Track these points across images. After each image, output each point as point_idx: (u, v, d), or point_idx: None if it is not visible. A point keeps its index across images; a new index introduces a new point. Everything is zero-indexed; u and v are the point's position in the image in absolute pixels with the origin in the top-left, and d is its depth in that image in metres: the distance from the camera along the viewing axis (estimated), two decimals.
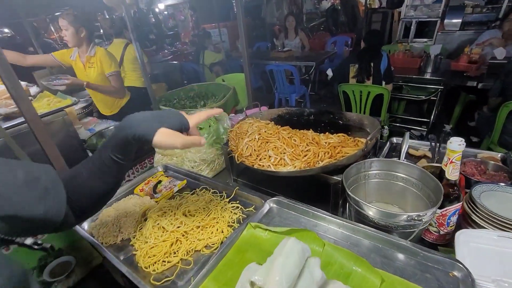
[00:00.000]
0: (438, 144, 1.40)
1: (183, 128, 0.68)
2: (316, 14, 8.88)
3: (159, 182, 1.15)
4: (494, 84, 2.44)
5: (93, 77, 2.32)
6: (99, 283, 1.22)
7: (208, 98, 2.71)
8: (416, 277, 0.66)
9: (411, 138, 1.70)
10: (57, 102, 1.98)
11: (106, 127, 2.26)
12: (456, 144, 0.75)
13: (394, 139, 1.56)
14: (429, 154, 1.39)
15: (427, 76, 3.21)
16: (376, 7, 7.15)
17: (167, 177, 1.20)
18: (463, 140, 0.76)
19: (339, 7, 7.50)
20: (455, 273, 0.65)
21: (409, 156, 1.43)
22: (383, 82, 2.96)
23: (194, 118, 0.71)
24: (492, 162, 1.15)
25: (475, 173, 1.13)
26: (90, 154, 1.95)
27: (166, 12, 9.92)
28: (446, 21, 4.73)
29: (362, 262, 0.69)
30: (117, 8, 5.15)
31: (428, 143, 1.49)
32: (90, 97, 3.27)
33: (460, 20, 4.61)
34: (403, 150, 1.15)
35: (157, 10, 9.47)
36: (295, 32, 5.24)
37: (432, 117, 3.57)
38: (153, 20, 9.01)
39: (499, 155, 1.28)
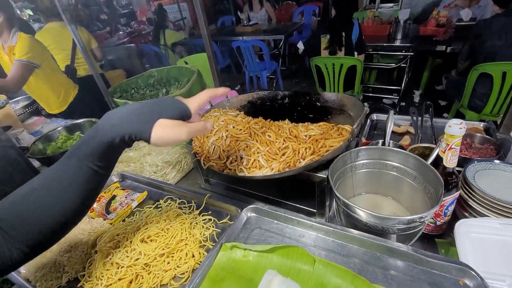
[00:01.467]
0: (420, 118, 1.33)
1: (185, 116, 0.57)
2: None
3: (113, 198, 0.95)
4: (463, 48, 2.42)
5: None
6: None
7: (171, 85, 2.43)
8: (418, 285, 0.56)
9: (384, 108, 1.61)
10: None
11: (54, 127, 1.95)
12: (457, 128, 0.64)
13: (374, 116, 1.46)
14: (412, 130, 1.31)
15: (397, 43, 3.14)
16: None
17: (123, 189, 1.01)
18: (464, 122, 0.65)
19: None
20: (466, 281, 0.56)
21: (391, 133, 1.34)
22: (355, 53, 2.85)
23: (194, 101, 0.60)
24: (478, 134, 1.09)
25: (462, 148, 1.06)
26: (36, 163, 1.67)
27: None
28: None
29: (360, 281, 0.58)
30: None
31: (408, 117, 1.41)
32: None
33: None
34: (388, 130, 1.04)
35: None
36: (260, 3, 4.90)
37: (403, 84, 3.57)
38: None
39: (481, 125, 1.22)
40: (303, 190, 0.92)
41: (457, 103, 2.59)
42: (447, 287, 0.56)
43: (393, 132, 1.33)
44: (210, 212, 0.87)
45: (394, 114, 1.06)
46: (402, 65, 3.44)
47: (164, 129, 0.51)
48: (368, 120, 1.41)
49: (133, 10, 8.23)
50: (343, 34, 2.71)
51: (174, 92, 2.15)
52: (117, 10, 8.14)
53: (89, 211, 0.93)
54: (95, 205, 0.94)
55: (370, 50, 3.31)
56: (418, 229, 0.66)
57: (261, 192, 1.00)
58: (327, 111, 1.15)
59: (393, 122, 1.37)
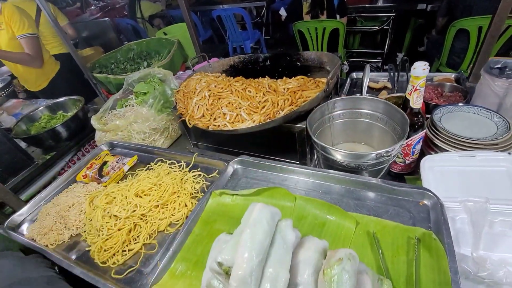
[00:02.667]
0: (396, 73, 1.38)
1: None
2: None
3: (105, 163, 0.99)
4: (442, 3, 2.43)
5: (5, 42, 1.87)
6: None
7: (152, 57, 2.37)
8: (389, 213, 0.65)
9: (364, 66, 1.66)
10: None
11: (35, 108, 1.91)
12: (420, 69, 0.69)
13: (354, 74, 1.50)
14: (389, 85, 1.36)
15: (380, 3, 3.10)
16: None
17: (114, 155, 1.04)
18: (427, 64, 0.70)
19: None
20: (425, 201, 0.64)
21: (369, 89, 1.40)
22: (338, 16, 2.81)
23: None
24: (448, 83, 1.15)
25: (433, 97, 1.13)
26: (21, 144, 1.66)
27: None
28: None
29: (335, 209, 0.66)
30: None
31: (386, 73, 1.46)
32: (9, 76, 2.71)
33: None
34: (364, 84, 1.09)
35: None
36: None
37: (386, 47, 3.59)
38: None
39: (453, 76, 1.29)
40: (285, 145, 0.97)
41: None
42: (409, 208, 0.65)
43: (371, 88, 1.39)
44: (199, 169, 0.92)
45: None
46: (385, 27, 3.43)
47: None
48: (348, 79, 1.45)
49: None
50: None
51: (156, 64, 2.10)
52: None
53: (83, 176, 0.97)
54: (87, 171, 0.98)
55: (354, 12, 3.26)
56: (386, 164, 0.73)
57: (246, 150, 1.05)
58: (308, 70, 1.18)
59: (372, 78, 1.43)
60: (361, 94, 1.05)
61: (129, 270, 0.67)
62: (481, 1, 2.04)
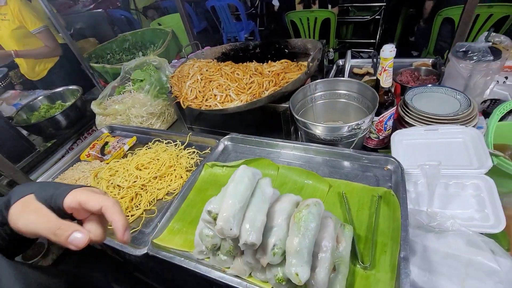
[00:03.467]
0: (378, 59, 1.46)
1: (53, 204, 0.41)
2: None
3: (106, 143, 1.07)
4: None
5: (8, 32, 1.94)
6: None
7: (147, 48, 2.42)
8: (358, 177, 0.74)
9: (355, 57, 1.74)
10: None
11: (34, 98, 1.97)
12: (388, 51, 0.78)
13: (340, 61, 1.58)
14: (372, 70, 1.45)
15: None
16: None
17: (114, 137, 1.12)
18: (393, 46, 0.79)
19: None
20: (389, 166, 0.74)
21: (354, 75, 1.48)
22: (329, 6, 2.87)
23: (75, 196, 0.42)
24: (424, 67, 1.24)
25: (409, 80, 1.22)
26: (22, 131, 1.73)
27: None
28: None
29: (312, 175, 0.75)
30: None
31: (370, 60, 1.55)
32: (5, 68, 2.75)
33: None
34: (346, 68, 1.18)
35: None
36: None
37: (377, 37, 3.65)
38: None
39: (430, 61, 1.38)
40: (272, 124, 1.05)
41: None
42: (375, 173, 0.74)
43: (355, 73, 1.48)
44: (193, 147, 1.01)
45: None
46: (376, 17, 3.49)
47: (20, 210, 0.39)
48: (334, 66, 1.54)
49: None
50: None
51: (150, 54, 2.16)
52: None
53: (86, 156, 1.06)
54: (90, 151, 1.06)
55: (346, 2, 3.31)
56: (359, 136, 0.83)
57: (237, 131, 1.14)
58: (295, 56, 1.26)
59: (357, 65, 1.52)
60: (343, 76, 1.14)
61: (132, 230, 0.77)
62: None
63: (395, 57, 1.44)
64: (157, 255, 0.64)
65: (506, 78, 1.19)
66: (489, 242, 0.60)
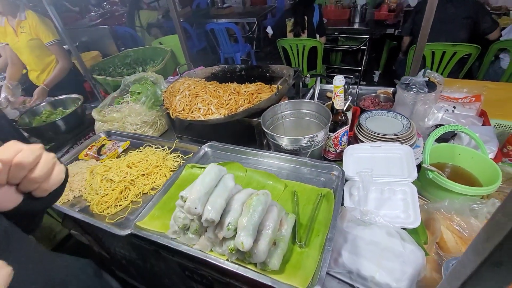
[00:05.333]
0: (348, 86, 1.67)
1: None
2: None
3: (103, 145, 1.23)
4: (406, 23, 2.80)
5: (24, 43, 2.15)
6: (69, 252, 1.34)
7: (147, 64, 2.63)
8: (310, 180, 0.91)
9: (330, 83, 1.94)
10: None
11: (37, 104, 2.13)
12: (338, 81, 0.98)
13: (317, 86, 1.79)
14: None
15: (356, 26, 3.48)
16: None
17: (110, 140, 1.28)
18: (343, 77, 0.98)
19: None
20: (334, 172, 0.91)
21: (327, 98, 1.69)
22: (317, 35, 3.15)
23: None
24: (383, 95, 1.45)
25: (370, 105, 1.42)
26: (25, 134, 1.87)
27: None
28: None
29: (272, 176, 0.92)
30: None
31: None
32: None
33: None
34: (316, 92, 1.38)
35: None
36: None
37: (362, 65, 3.96)
38: None
39: (391, 90, 1.59)
40: (247, 136, 1.22)
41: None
42: (324, 177, 0.91)
43: (328, 97, 1.68)
44: (178, 152, 1.17)
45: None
46: (362, 47, 3.81)
47: None
48: (311, 89, 1.74)
49: None
50: (305, 18, 3.00)
51: (150, 70, 2.37)
52: None
53: (84, 155, 1.20)
54: (88, 151, 1.21)
55: (336, 33, 3.63)
56: (314, 148, 1.00)
57: (219, 141, 1.31)
58: (273, 79, 1.46)
59: (330, 90, 1.72)
60: (312, 99, 1.33)
61: (119, 217, 0.91)
62: (439, 23, 2.41)
63: (366, 85, 1.66)
64: (139, 234, 0.78)
65: (454, 107, 1.40)
66: (402, 233, 0.76)
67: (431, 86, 1.13)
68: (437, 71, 2.58)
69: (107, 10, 6.32)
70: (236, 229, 0.65)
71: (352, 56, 4.69)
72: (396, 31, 3.11)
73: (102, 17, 5.71)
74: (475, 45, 2.31)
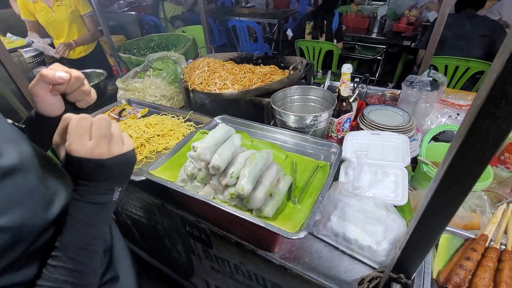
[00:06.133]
0: (358, 83, 1.75)
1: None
2: None
3: (124, 109, 1.33)
4: (423, 36, 2.85)
5: (66, 17, 2.31)
6: None
7: (169, 49, 2.76)
8: (310, 155, 0.99)
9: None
10: (9, 43, 1.95)
11: None
12: (346, 68, 1.06)
13: (326, 82, 1.87)
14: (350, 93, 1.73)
15: (373, 35, 3.55)
16: None
17: (131, 106, 1.39)
18: (351, 65, 1.06)
19: None
20: (333, 149, 0.98)
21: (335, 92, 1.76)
22: (335, 40, 3.23)
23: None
24: (390, 95, 1.52)
25: (376, 102, 1.49)
26: None
27: None
28: None
29: (275, 147, 1.00)
30: None
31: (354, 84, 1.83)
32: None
33: None
34: (325, 83, 1.46)
35: None
36: None
37: (376, 75, 4.01)
38: None
39: (398, 92, 1.66)
40: (258, 114, 1.31)
41: None
42: (323, 153, 0.98)
43: (336, 92, 1.75)
44: (192, 122, 1.26)
45: None
46: (377, 57, 3.87)
47: None
48: (321, 85, 1.82)
49: None
50: (325, 22, 3.09)
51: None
52: None
53: None
54: (110, 113, 1.32)
55: (351, 40, 3.70)
56: (320, 127, 1.08)
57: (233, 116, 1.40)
58: (287, 68, 1.55)
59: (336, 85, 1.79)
60: None
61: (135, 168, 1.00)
62: (452, 39, 2.46)
63: (374, 85, 1.73)
64: (151, 179, 0.87)
65: (458, 114, 1.45)
66: (388, 205, 0.83)
67: (434, 85, 1.19)
68: (448, 85, 2.62)
69: (135, 0, 6.56)
70: (238, 178, 0.74)
71: (368, 66, 4.74)
72: (413, 44, 3.16)
73: (129, 5, 5.94)
74: (489, 62, 2.35)
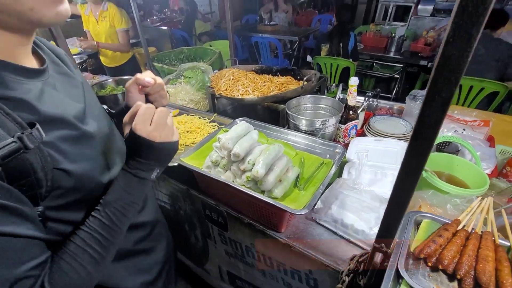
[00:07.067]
0: (367, 99, 1.88)
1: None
2: None
3: None
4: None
5: (105, 30, 2.67)
6: None
7: (197, 61, 3.04)
8: (317, 153, 1.13)
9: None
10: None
11: (105, 79, 2.58)
12: (353, 81, 1.21)
13: (340, 95, 2.02)
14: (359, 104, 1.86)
15: (391, 54, 3.67)
16: None
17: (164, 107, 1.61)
18: (357, 78, 1.21)
19: None
20: (337, 150, 1.12)
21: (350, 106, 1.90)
22: (350, 60, 3.39)
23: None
24: (396, 107, 1.64)
25: (383, 114, 1.62)
26: None
27: None
28: (419, 7, 5.13)
29: (287, 145, 1.15)
30: None
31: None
32: (85, 55, 3.50)
33: (432, 7, 5.04)
34: (337, 95, 1.61)
35: None
36: (284, 3, 5.50)
37: (393, 93, 4.09)
38: None
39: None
40: (274, 118, 1.48)
41: None
42: (329, 153, 1.12)
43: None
44: (216, 123, 1.45)
45: None
46: (395, 76, 3.97)
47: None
48: (336, 97, 1.97)
49: None
50: (341, 44, 3.25)
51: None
52: None
53: None
54: None
55: (369, 58, 3.84)
56: (328, 131, 1.22)
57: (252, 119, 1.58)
58: (302, 80, 1.72)
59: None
60: None
61: None
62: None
63: (385, 100, 1.85)
64: (183, 164, 1.05)
65: (464, 129, 1.55)
66: (382, 198, 0.95)
67: None
68: (463, 104, 2.67)
69: (167, 16, 7.12)
70: (254, 164, 0.90)
71: (385, 84, 4.83)
72: (430, 63, 3.25)
73: (162, 21, 6.47)
74: (504, 83, 2.39)
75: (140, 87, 0.74)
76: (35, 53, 0.61)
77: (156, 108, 0.73)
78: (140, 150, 0.60)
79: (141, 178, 0.62)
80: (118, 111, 0.83)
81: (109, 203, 0.59)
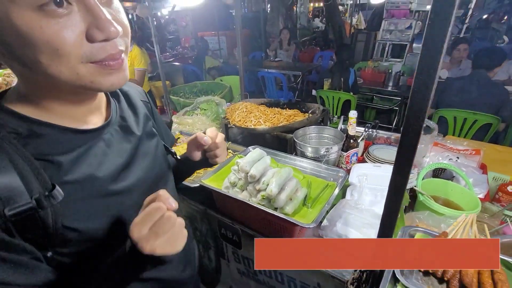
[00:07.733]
0: (366, 129, 2.05)
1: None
2: (308, 30, 9.69)
3: (178, 137, 1.73)
4: (433, 98, 3.15)
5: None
6: None
7: (209, 94, 3.31)
8: (322, 177, 1.27)
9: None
10: None
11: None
12: (352, 113, 1.39)
13: (342, 126, 2.19)
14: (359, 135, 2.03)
15: (388, 89, 3.93)
16: (362, 28, 8.03)
17: (183, 135, 1.79)
18: (356, 112, 1.39)
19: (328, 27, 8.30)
20: (340, 174, 1.26)
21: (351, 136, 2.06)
22: (351, 93, 3.64)
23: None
24: (395, 137, 1.80)
25: (382, 142, 1.77)
26: None
27: (167, 17, 10.50)
28: (414, 45, 5.54)
29: (295, 169, 1.30)
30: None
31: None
32: None
33: None
34: (339, 126, 1.79)
35: (159, 14, 10.01)
36: (288, 44, 5.96)
37: (393, 124, 4.28)
38: (155, 23, 9.54)
39: None
40: (283, 146, 1.64)
41: None
42: (333, 176, 1.26)
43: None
44: (229, 150, 1.62)
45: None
46: (394, 108, 4.19)
47: None
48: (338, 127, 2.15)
49: (178, 37, 9.73)
50: (342, 79, 3.53)
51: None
52: (165, 35, 9.67)
53: None
54: None
55: (369, 92, 4.11)
56: (331, 157, 1.37)
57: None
58: (307, 112, 1.92)
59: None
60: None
61: (189, 180, 1.34)
62: (459, 103, 2.71)
63: (386, 131, 2.02)
64: (204, 185, 1.19)
65: (458, 158, 1.69)
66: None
67: (426, 130, 1.47)
68: (458, 135, 2.83)
69: (178, 52, 7.70)
70: (267, 184, 1.04)
71: (386, 115, 5.05)
72: None
73: (174, 57, 7.01)
74: (496, 116, 2.56)
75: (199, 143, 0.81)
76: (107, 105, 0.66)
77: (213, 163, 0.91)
78: (130, 250, 0.53)
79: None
80: (182, 157, 0.93)
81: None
